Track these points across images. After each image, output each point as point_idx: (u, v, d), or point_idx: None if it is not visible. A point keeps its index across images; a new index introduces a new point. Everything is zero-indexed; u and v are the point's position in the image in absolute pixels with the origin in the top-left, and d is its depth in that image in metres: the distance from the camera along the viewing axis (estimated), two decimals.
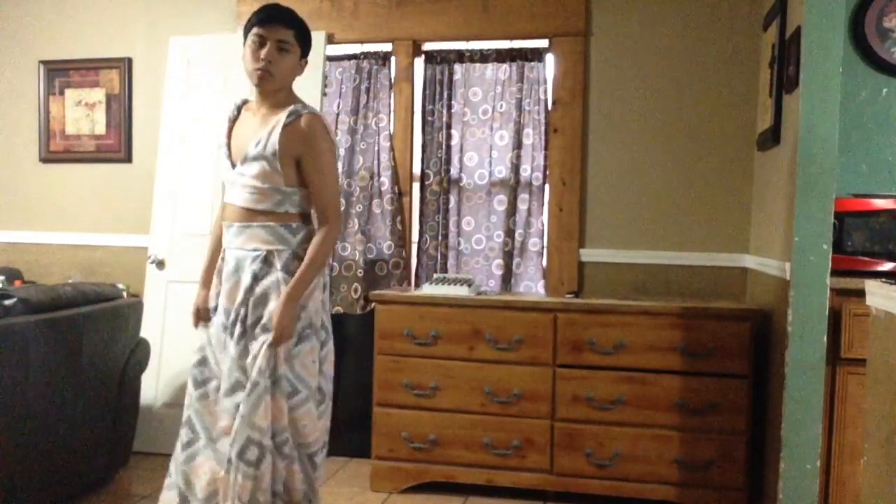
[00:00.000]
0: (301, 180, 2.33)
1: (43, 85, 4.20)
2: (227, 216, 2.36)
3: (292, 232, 2.31)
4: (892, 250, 2.71)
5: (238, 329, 2.30)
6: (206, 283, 2.49)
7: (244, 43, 2.29)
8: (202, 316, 2.51)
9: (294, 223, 2.32)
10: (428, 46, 3.78)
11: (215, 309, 2.42)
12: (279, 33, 2.25)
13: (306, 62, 2.38)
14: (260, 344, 2.26)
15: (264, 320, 2.27)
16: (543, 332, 3.12)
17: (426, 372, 3.21)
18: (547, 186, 3.64)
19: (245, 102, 2.44)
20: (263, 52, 2.23)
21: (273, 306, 2.26)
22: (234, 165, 2.35)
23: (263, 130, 2.28)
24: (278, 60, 2.25)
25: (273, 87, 2.28)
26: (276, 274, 2.28)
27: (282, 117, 2.27)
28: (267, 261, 2.29)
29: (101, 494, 3.14)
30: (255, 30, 2.26)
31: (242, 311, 2.30)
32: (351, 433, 3.69)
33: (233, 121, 2.41)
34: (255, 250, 2.29)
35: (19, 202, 4.28)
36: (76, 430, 2.93)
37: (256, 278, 2.29)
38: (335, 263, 3.80)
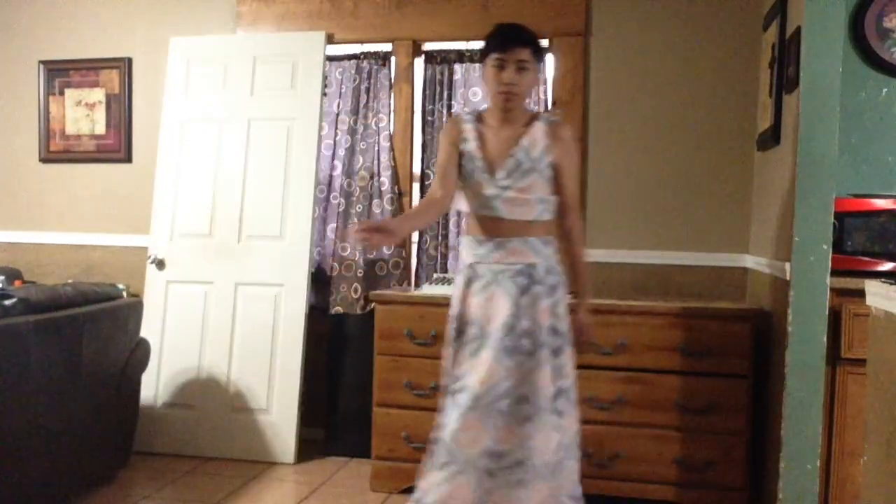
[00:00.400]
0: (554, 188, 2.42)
1: (43, 85, 4.20)
2: (488, 230, 2.35)
3: (553, 241, 2.42)
4: (892, 250, 2.71)
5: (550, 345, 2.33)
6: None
7: (482, 63, 2.38)
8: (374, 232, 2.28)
9: (551, 233, 2.43)
10: (428, 46, 3.78)
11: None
12: (518, 54, 2.31)
13: (543, 70, 2.66)
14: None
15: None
16: None
17: (426, 372, 3.21)
18: None
19: (475, 115, 2.47)
20: (506, 76, 2.30)
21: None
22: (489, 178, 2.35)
23: (522, 141, 2.34)
24: (520, 80, 2.32)
25: (518, 105, 2.36)
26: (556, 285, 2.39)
27: (538, 127, 2.36)
28: (551, 272, 2.37)
29: (101, 494, 3.14)
30: (494, 54, 2.32)
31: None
32: (351, 433, 3.69)
33: (478, 133, 2.40)
34: (517, 264, 2.34)
35: (19, 202, 4.28)
36: (76, 430, 2.93)
37: (553, 292, 2.36)
38: (335, 263, 3.80)
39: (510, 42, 2.31)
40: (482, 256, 2.35)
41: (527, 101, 2.46)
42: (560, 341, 2.33)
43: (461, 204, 2.43)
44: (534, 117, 2.40)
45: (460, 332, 2.36)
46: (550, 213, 2.38)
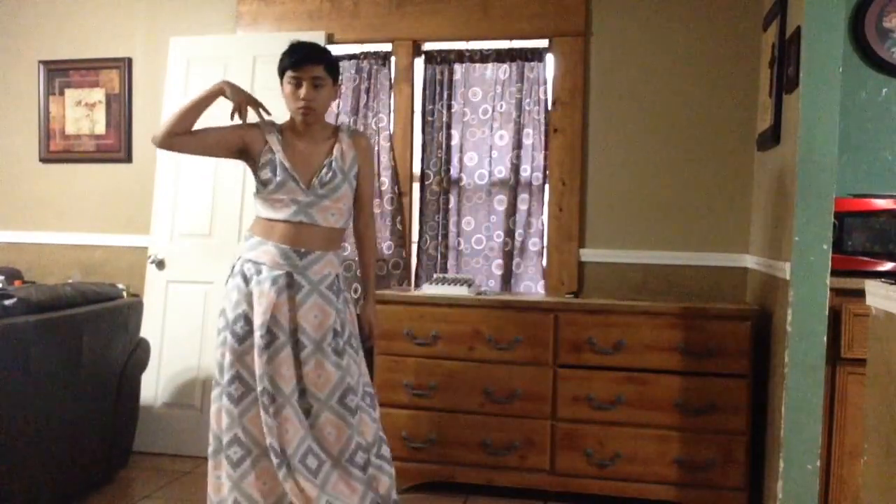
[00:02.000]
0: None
1: (43, 85, 4.20)
2: (296, 239, 2.45)
3: (342, 250, 2.65)
4: (892, 250, 2.71)
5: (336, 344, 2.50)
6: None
7: (281, 82, 2.54)
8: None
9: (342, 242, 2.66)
10: (428, 46, 3.78)
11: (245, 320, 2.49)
12: (311, 71, 2.46)
13: (340, 85, 2.77)
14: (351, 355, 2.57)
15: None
16: (543, 333, 3.12)
17: (426, 372, 3.21)
18: (547, 186, 3.64)
19: (276, 125, 2.58)
20: (302, 92, 2.46)
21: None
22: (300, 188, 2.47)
23: (329, 153, 2.52)
24: (316, 96, 2.47)
25: (316, 119, 2.52)
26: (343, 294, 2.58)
27: (343, 139, 2.57)
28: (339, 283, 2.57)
29: (101, 494, 3.14)
30: (289, 73, 2.49)
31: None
32: None
33: (281, 143, 2.51)
34: (330, 274, 2.51)
35: (19, 202, 4.28)
36: (76, 430, 2.93)
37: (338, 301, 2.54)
38: None
39: (304, 60, 2.47)
40: (293, 266, 2.46)
41: (325, 114, 2.59)
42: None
43: (256, 209, 2.53)
44: (335, 128, 2.61)
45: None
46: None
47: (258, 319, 2.37)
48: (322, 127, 2.56)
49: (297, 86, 2.47)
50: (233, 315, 2.42)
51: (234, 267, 2.50)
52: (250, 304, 2.41)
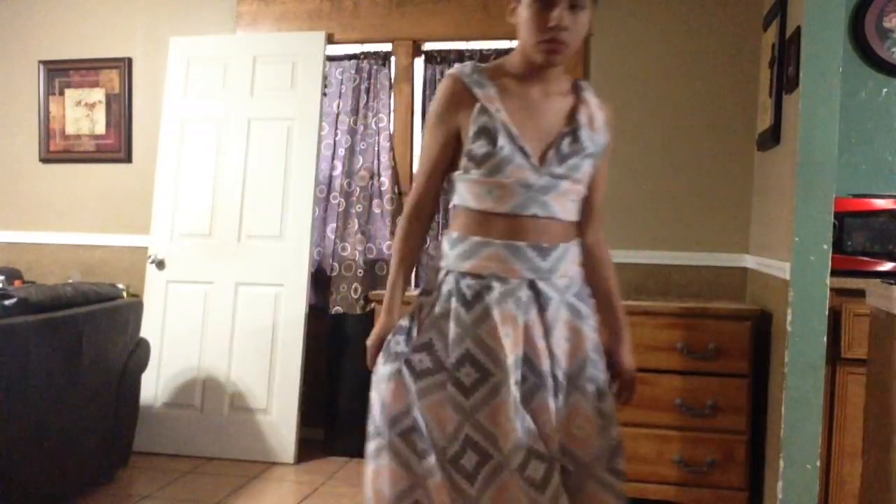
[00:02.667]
0: None
1: (43, 85, 4.20)
2: (532, 234, 1.69)
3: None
4: (892, 250, 2.71)
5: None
6: (398, 303, 1.91)
7: (514, 9, 1.71)
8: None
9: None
10: (428, 46, 3.78)
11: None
12: None
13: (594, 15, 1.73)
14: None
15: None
16: None
17: None
18: None
19: (478, 71, 1.74)
20: (555, 15, 1.62)
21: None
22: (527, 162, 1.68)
23: (572, 115, 1.74)
24: (573, 23, 1.64)
25: (565, 60, 1.71)
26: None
27: (589, 99, 1.78)
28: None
29: (101, 494, 3.14)
30: None
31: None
32: (351, 433, 3.69)
33: (501, 97, 1.71)
34: (573, 275, 1.78)
35: (19, 202, 4.28)
36: (76, 430, 2.93)
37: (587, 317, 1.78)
38: (335, 263, 3.80)
39: None
40: (527, 267, 1.70)
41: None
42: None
43: (460, 198, 1.80)
44: (574, 84, 1.81)
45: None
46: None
47: (507, 357, 1.62)
48: (559, 77, 1.76)
49: (547, 6, 1.62)
50: (456, 356, 1.66)
51: (440, 286, 1.74)
52: (479, 340, 1.64)
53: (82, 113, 4.17)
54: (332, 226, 3.86)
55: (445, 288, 1.73)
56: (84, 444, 3.00)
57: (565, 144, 1.71)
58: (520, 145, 1.67)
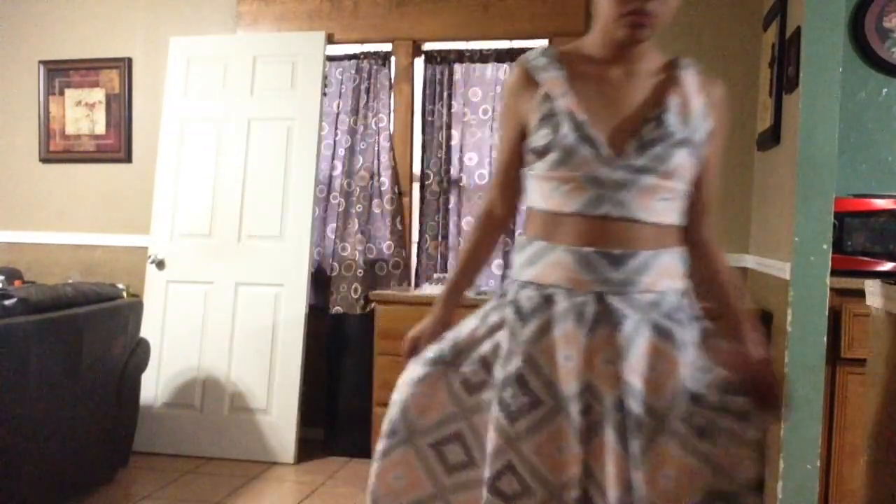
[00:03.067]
0: None
1: (43, 85, 4.20)
2: (603, 238, 1.43)
3: (686, 253, 1.55)
4: (892, 250, 2.71)
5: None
6: (454, 304, 1.71)
7: None
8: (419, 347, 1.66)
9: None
10: (428, 46, 3.78)
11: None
12: None
13: None
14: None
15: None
16: None
17: None
18: None
19: (547, 55, 1.54)
20: None
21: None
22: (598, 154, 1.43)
23: (661, 97, 1.48)
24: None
25: (653, 35, 1.47)
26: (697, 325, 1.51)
27: (685, 78, 1.52)
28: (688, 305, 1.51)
29: (101, 494, 3.14)
30: None
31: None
32: (351, 433, 3.69)
33: (572, 82, 1.48)
34: (668, 291, 1.47)
35: (19, 202, 4.28)
36: (76, 430, 2.93)
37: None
38: (335, 263, 3.80)
39: None
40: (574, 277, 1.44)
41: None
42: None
43: (529, 197, 1.56)
44: (670, 62, 1.55)
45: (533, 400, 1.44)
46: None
47: (564, 384, 1.41)
48: (648, 54, 1.52)
49: None
50: (503, 374, 1.46)
51: (504, 295, 1.55)
52: (532, 360, 1.44)
53: (82, 113, 4.17)
54: (332, 226, 3.86)
55: (507, 298, 1.54)
56: (84, 444, 3.00)
57: (647, 131, 1.43)
58: (587, 133, 1.42)
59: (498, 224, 1.69)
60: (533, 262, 1.49)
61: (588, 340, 1.40)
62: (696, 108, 1.49)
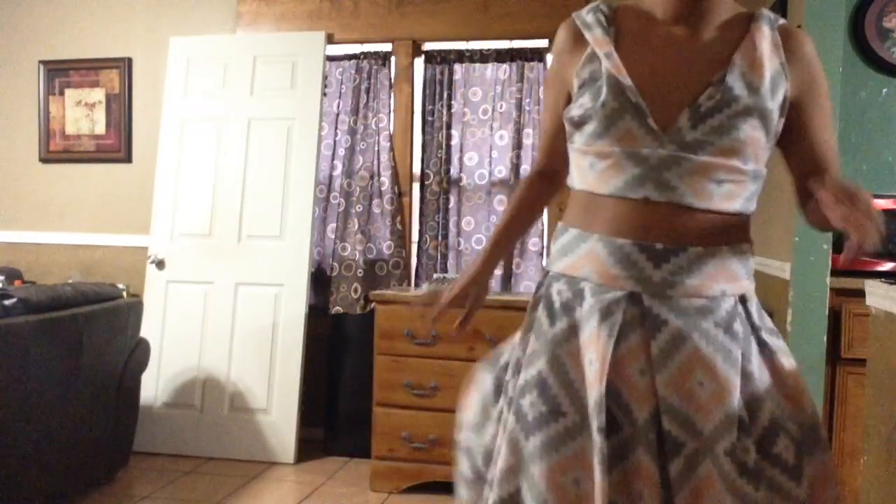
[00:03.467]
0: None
1: (43, 85, 4.20)
2: (645, 228, 1.23)
3: (751, 253, 1.33)
4: (893, 250, 2.71)
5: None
6: (495, 259, 1.51)
7: None
8: (458, 303, 1.50)
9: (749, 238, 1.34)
10: (428, 46, 3.78)
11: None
12: None
13: None
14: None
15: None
16: None
17: (426, 372, 3.21)
18: None
19: (600, 11, 1.34)
20: None
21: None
22: (649, 129, 1.23)
23: (735, 58, 1.24)
24: None
25: None
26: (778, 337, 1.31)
27: (762, 31, 1.26)
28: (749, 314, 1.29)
29: (101, 494, 3.14)
30: None
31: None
32: (351, 433, 3.69)
33: (623, 42, 1.29)
34: (724, 296, 1.25)
35: (19, 202, 4.28)
36: (76, 430, 2.93)
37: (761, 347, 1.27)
38: (335, 263, 3.80)
39: None
40: (628, 275, 1.23)
41: None
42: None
43: (570, 175, 1.38)
44: (746, 16, 1.30)
45: (612, 423, 1.20)
46: (755, 199, 1.32)
47: (590, 393, 1.22)
48: (720, 9, 1.28)
49: None
50: (524, 378, 1.28)
51: (538, 288, 1.39)
52: (559, 364, 1.26)
53: (82, 113, 4.17)
54: (332, 226, 3.86)
55: (540, 292, 1.36)
56: (84, 444, 3.00)
57: (705, 98, 1.21)
58: (631, 100, 1.21)
59: (547, 179, 1.50)
60: (566, 252, 1.32)
61: (617, 346, 1.20)
62: (770, 69, 1.24)
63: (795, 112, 1.31)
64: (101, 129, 4.15)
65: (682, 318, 1.21)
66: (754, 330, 1.27)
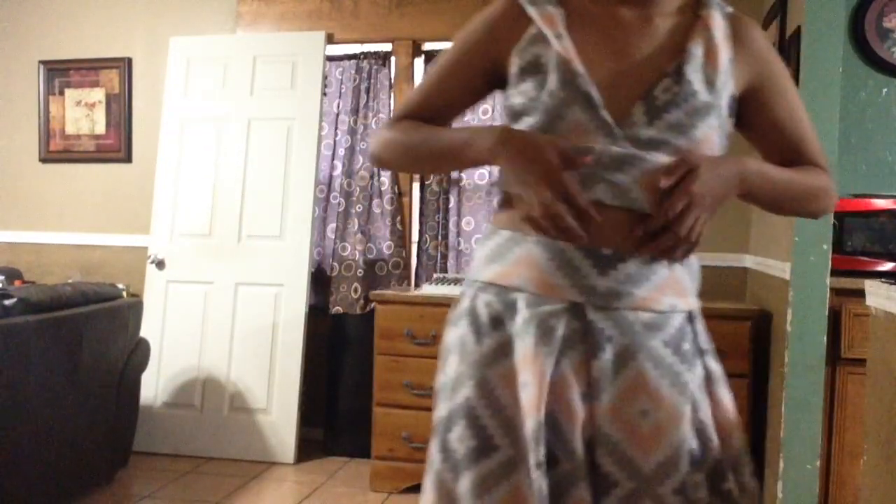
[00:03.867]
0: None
1: (43, 85, 4.20)
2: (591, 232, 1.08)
3: (699, 264, 1.28)
4: (892, 250, 2.71)
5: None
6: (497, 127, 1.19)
7: None
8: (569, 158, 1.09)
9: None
10: (428, 46, 3.78)
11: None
12: None
13: None
14: None
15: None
16: None
17: (426, 372, 3.20)
18: None
19: None
20: None
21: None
22: (600, 121, 1.09)
23: (681, 45, 1.13)
24: None
25: None
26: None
27: (714, 19, 1.15)
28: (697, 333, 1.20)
29: (101, 494, 3.14)
30: None
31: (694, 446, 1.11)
32: (351, 433, 3.69)
33: (566, 21, 1.14)
34: (673, 311, 1.15)
35: (19, 202, 4.28)
36: (76, 430, 2.93)
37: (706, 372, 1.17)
38: (335, 263, 3.80)
39: None
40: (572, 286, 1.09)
41: None
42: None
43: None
44: (697, 2, 1.18)
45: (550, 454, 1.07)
46: None
47: (526, 423, 1.06)
48: None
49: None
50: (448, 407, 1.13)
51: (461, 302, 1.21)
52: (488, 389, 1.10)
53: (82, 113, 4.17)
54: (332, 226, 3.86)
55: (462, 306, 1.19)
56: (84, 444, 3.00)
57: (660, 90, 1.09)
58: (582, 90, 1.07)
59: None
60: (496, 258, 1.15)
61: (555, 366, 1.06)
62: (723, 62, 1.13)
63: (757, 105, 1.21)
64: (101, 129, 4.15)
65: (628, 334, 1.07)
66: (701, 354, 1.16)
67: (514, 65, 1.14)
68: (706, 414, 1.11)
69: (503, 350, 1.10)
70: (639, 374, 1.07)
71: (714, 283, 3.47)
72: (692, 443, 1.08)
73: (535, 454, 1.04)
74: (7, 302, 2.64)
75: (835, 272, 2.52)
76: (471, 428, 1.08)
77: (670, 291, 1.12)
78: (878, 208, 2.72)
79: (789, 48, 2.75)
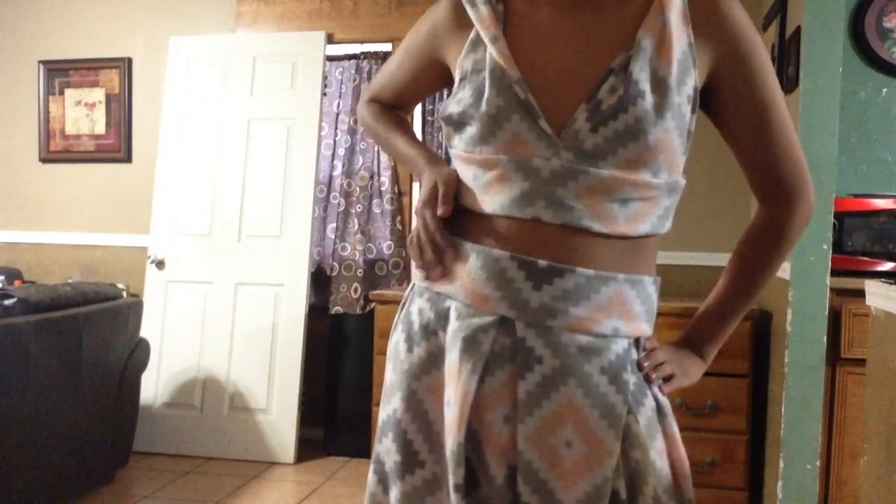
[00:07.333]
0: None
1: (43, 85, 4.20)
2: (528, 244, 1.00)
3: (656, 290, 1.17)
4: (892, 250, 2.71)
5: None
6: (435, 159, 1.21)
7: None
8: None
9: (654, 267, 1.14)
10: None
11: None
12: None
13: None
14: None
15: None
16: None
17: None
18: None
19: None
20: None
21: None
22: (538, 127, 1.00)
23: (641, 37, 0.98)
24: None
25: None
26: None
27: (670, 5, 0.99)
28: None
29: (101, 494, 3.14)
30: None
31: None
32: (351, 433, 3.69)
33: (504, 20, 1.05)
34: (616, 336, 1.03)
35: (19, 202, 4.28)
36: (76, 430, 2.93)
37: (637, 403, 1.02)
38: (335, 263, 3.80)
39: None
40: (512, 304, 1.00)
41: None
42: None
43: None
44: None
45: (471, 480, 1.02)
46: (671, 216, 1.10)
47: (447, 442, 1.02)
48: None
49: None
50: (382, 418, 1.11)
51: (402, 305, 1.16)
52: (416, 402, 1.06)
53: (82, 113, 4.17)
54: (332, 226, 3.86)
55: (402, 311, 1.13)
56: (84, 444, 3.00)
57: (605, 91, 0.97)
58: (519, 98, 0.98)
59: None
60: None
61: (481, 384, 0.98)
62: (678, 51, 0.98)
63: (719, 93, 1.04)
64: (101, 128, 4.15)
65: (560, 356, 0.97)
66: (650, 384, 1.04)
67: (457, 74, 1.08)
68: (648, 453, 0.99)
69: (433, 361, 1.04)
70: (567, 400, 0.97)
71: (714, 283, 3.47)
72: (617, 484, 0.97)
73: (455, 476, 0.98)
74: (7, 302, 2.64)
75: (835, 272, 2.52)
76: (397, 442, 1.05)
77: (615, 314, 1.01)
78: (878, 208, 2.72)
79: (789, 48, 2.75)
